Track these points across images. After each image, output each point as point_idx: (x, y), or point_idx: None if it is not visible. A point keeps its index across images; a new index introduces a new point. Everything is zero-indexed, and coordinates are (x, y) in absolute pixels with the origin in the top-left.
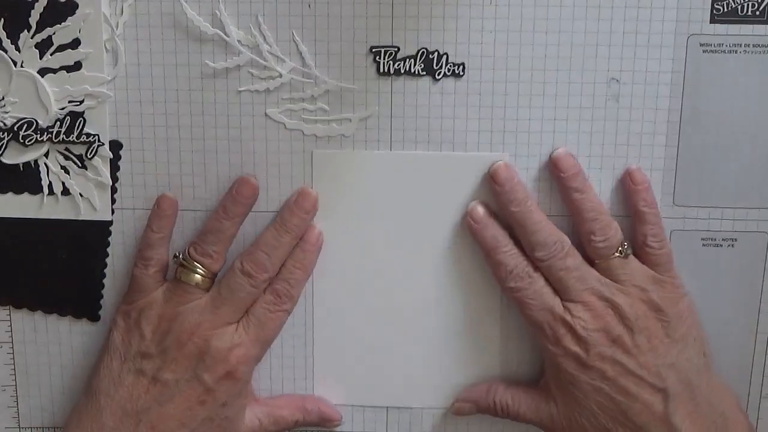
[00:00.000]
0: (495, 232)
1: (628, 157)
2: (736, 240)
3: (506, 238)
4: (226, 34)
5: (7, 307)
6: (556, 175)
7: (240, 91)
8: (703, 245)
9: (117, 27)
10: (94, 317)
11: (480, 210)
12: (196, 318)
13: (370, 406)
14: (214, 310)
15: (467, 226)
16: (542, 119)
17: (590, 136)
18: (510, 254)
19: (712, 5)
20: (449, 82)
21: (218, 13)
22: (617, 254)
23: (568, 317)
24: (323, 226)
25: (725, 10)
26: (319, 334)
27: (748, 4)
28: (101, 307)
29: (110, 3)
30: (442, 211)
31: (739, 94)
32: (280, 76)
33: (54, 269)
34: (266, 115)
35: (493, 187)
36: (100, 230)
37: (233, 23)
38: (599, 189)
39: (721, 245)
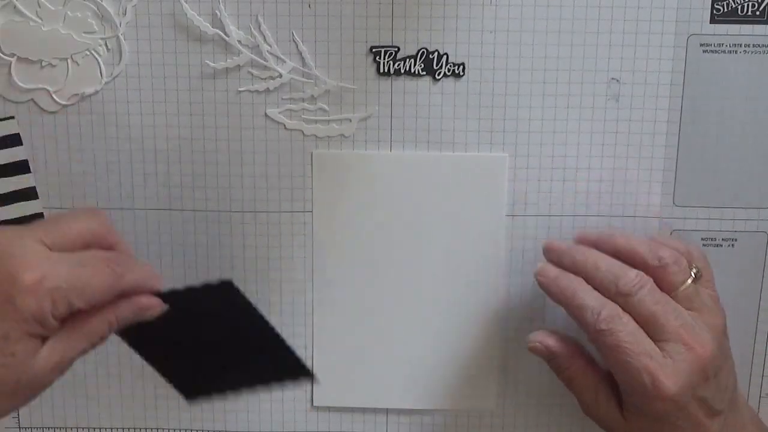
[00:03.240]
0: (569, 279)
1: (628, 157)
2: (736, 240)
3: (583, 282)
4: (226, 34)
5: None
6: (589, 242)
7: (240, 91)
8: (703, 245)
9: (120, 26)
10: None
11: (548, 265)
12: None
13: (370, 408)
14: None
15: (540, 286)
16: (542, 119)
17: (590, 136)
18: (593, 295)
19: (712, 5)
20: (449, 82)
21: (218, 13)
22: (690, 280)
23: (670, 361)
24: (323, 226)
25: (725, 10)
26: (319, 336)
27: (748, 4)
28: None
29: (113, 3)
30: (442, 211)
31: (739, 94)
32: (280, 76)
33: None
34: (266, 115)
35: (551, 256)
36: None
37: (233, 23)
38: (599, 189)
39: (721, 245)
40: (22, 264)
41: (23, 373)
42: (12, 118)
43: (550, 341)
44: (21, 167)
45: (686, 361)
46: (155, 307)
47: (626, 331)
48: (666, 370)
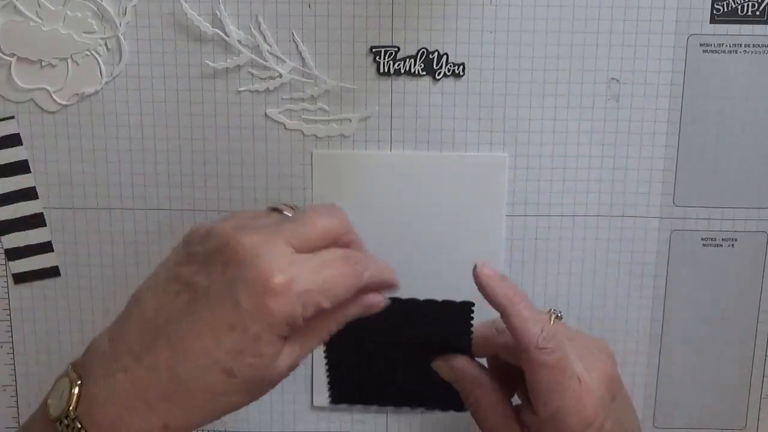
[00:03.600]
0: (515, 287)
1: (628, 157)
2: (736, 240)
3: (526, 295)
4: (226, 34)
5: (7, 307)
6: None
7: (240, 91)
8: (703, 245)
9: (120, 26)
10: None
11: (488, 267)
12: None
13: (369, 406)
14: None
15: (478, 283)
16: (542, 119)
17: (590, 136)
18: (536, 310)
19: (712, 5)
20: (449, 82)
21: (218, 13)
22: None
23: (585, 383)
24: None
25: (725, 10)
26: None
27: (748, 4)
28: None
29: (113, 2)
30: (442, 211)
31: (739, 94)
32: (280, 76)
33: None
34: (266, 115)
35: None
36: None
37: (233, 23)
38: (599, 189)
39: (721, 245)
40: (272, 267)
41: (268, 372)
42: (12, 118)
43: (455, 362)
44: (21, 167)
45: (597, 379)
46: (380, 303)
47: (564, 353)
48: (585, 390)
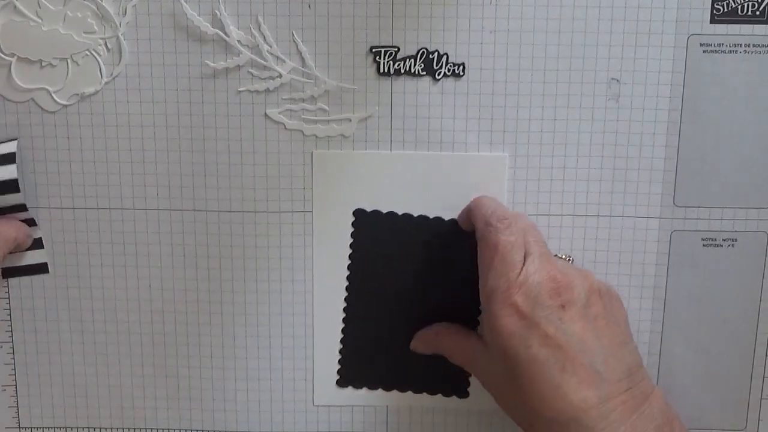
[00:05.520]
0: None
1: (628, 157)
2: (736, 240)
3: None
4: (226, 34)
5: (7, 307)
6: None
7: (240, 91)
8: (703, 245)
9: (120, 26)
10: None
11: None
12: None
13: (370, 407)
14: None
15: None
16: (542, 119)
17: (590, 136)
18: (503, 206)
19: (712, 5)
20: (449, 82)
21: (218, 13)
22: None
23: (524, 276)
24: (323, 226)
25: (725, 10)
26: (319, 335)
27: (748, 4)
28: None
29: (113, 3)
30: (442, 211)
31: (739, 94)
32: (280, 76)
33: None
34: (266, 115)
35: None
36: None
37: (233, 23)
38: (599, 189)
39: (721, 245)
40: None
41: None
42: (15, 140)
43: (424, 335)
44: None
45: (539, 278)
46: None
47: (509, 240)
48: (519, 281)
